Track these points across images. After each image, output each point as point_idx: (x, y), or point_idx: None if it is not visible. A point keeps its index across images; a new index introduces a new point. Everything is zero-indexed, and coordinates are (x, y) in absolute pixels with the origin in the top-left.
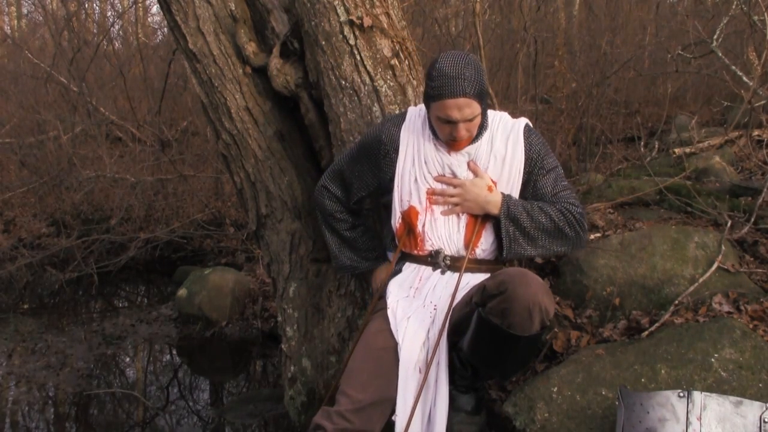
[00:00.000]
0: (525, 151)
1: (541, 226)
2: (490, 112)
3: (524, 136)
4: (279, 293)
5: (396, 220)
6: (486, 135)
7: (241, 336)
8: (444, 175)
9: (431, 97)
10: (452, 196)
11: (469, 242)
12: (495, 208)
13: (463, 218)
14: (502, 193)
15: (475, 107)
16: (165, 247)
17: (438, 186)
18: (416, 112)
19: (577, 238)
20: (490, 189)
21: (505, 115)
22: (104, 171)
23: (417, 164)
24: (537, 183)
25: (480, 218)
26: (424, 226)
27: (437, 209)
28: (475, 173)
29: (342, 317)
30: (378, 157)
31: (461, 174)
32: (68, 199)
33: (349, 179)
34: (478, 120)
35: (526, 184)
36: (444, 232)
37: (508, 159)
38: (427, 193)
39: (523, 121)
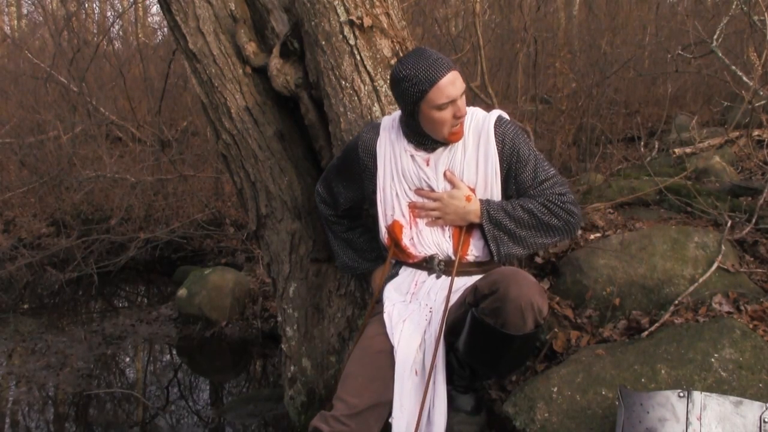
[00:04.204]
0: (498, 150)
1: (525, 224)
2: None
3: (495, 132)
4: (279, 293)
5: (383, 234)
6: (459, 141)
7: (241, 336)
8: (422, 189)
9: (421, 91)
10: (432, 209)
11: (457, 250)
12: (476, 217)
13: (448, 228)
14: (481, 200)
15: (460, 78)
16: (165, 247)
17: (419, 200)
18: (390, 123)
19: (566, 226)
20: (468, 199)
21: (477, 112)
22: (104, 171)
23: (396, 179)
24: (518, 176)
25: (464, 227)
26: (411, 239)
27: (421, 221)
28: (452, 183)
29: (342, 317)
30: (358, 172)
31: (438, 186)
32: (68, 199)
33: (337, 190)
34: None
35: (507, 179)
36: (431, 242)
37: (481, 163)
38: (409, 206)
39: (495, 114)
